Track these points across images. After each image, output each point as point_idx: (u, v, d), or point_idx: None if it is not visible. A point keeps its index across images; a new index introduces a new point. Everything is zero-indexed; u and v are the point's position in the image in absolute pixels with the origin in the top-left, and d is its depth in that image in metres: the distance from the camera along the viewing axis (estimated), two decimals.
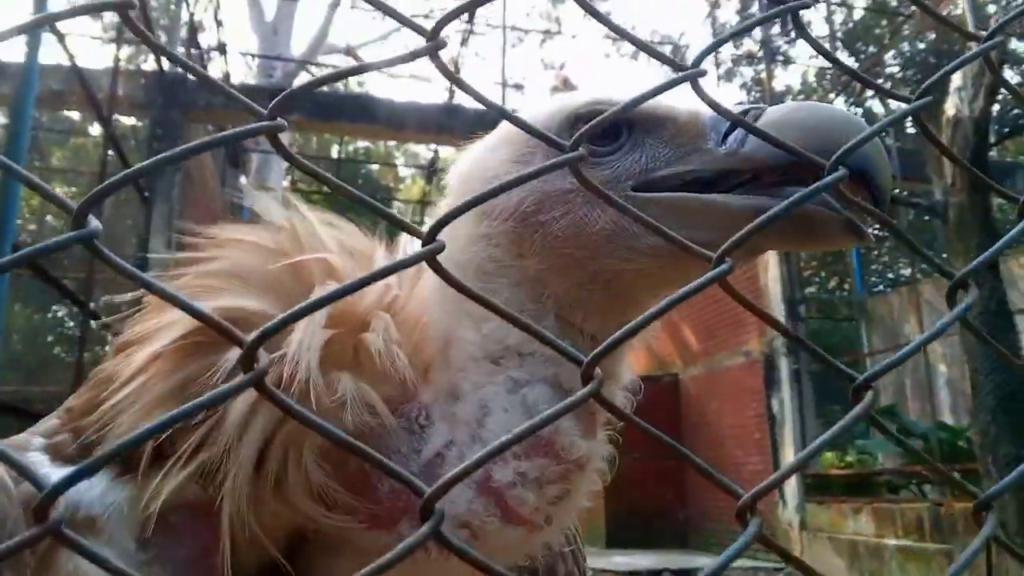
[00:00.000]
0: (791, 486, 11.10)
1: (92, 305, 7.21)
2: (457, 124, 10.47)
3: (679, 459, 0.71)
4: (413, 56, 0.71)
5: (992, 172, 9.71)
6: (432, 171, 17.94)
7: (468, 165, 0.97)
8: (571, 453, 0.80)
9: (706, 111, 0.83)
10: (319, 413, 0.74)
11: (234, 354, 0.75)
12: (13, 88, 6.45)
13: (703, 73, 0.73)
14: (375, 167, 25.81)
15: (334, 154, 25.55)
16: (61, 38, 6.52)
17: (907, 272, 17.66)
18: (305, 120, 11.47)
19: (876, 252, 19.42)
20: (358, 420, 0.79)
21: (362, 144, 24.88)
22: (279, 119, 0.65)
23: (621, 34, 0.83)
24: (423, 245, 0.64)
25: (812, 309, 14.84)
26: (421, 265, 0.68)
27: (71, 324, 21.77)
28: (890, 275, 20.39)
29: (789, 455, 11.19)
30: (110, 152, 8.09)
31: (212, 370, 0.78)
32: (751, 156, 0.83)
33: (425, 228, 0.65)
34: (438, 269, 0.65)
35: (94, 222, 0.57)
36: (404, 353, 0.82)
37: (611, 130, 0.86)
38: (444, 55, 0.70)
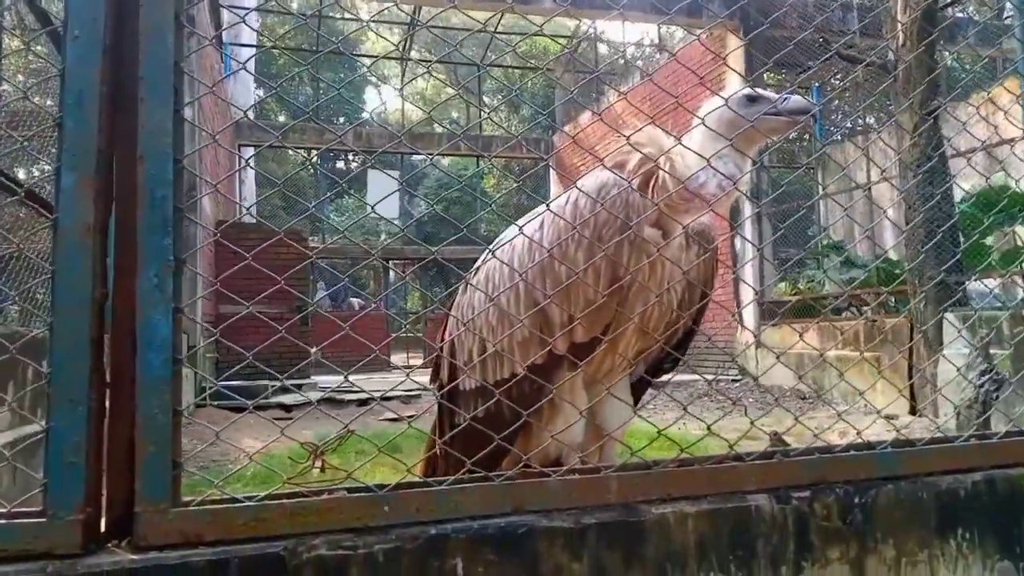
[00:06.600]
0: (749, 312, 12.71)
1: None
2: None
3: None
4: None
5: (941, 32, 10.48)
6: (412, 28, 18.06)
7: (707, 110, 2.29)
8: (736, 174, 2.21)
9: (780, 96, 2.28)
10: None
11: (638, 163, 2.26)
12: None
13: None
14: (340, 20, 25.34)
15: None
16: None
17: (868, 122, 18.63)
18: None
19: (837, 102, 20.34)
20: (678, 173, 2.22)
21: None
22: None
23: None
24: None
25: (773, 158, 15.97)
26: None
27: None
28: (849, 125, 21.35)
29: (748, 290, 12.70)
30: None
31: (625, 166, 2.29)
32: (784, 108, 2.24)
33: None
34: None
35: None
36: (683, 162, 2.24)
37: (755, 99, 2.24)
38: None
